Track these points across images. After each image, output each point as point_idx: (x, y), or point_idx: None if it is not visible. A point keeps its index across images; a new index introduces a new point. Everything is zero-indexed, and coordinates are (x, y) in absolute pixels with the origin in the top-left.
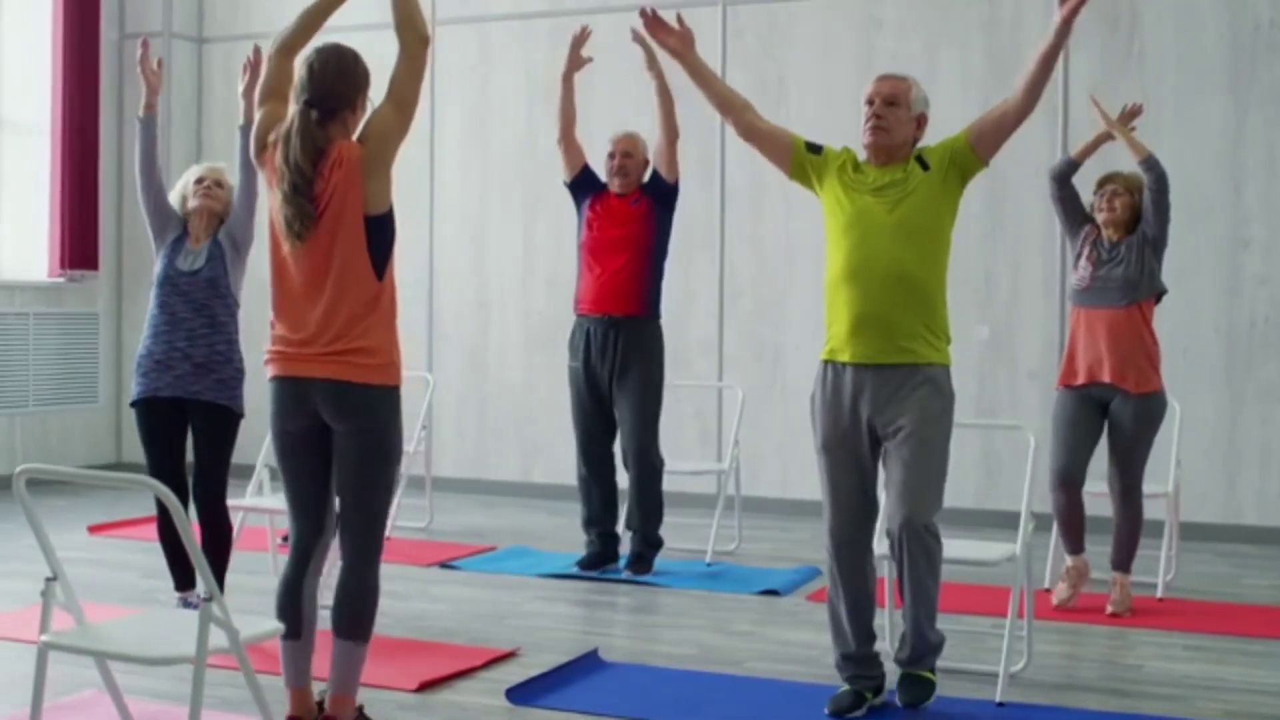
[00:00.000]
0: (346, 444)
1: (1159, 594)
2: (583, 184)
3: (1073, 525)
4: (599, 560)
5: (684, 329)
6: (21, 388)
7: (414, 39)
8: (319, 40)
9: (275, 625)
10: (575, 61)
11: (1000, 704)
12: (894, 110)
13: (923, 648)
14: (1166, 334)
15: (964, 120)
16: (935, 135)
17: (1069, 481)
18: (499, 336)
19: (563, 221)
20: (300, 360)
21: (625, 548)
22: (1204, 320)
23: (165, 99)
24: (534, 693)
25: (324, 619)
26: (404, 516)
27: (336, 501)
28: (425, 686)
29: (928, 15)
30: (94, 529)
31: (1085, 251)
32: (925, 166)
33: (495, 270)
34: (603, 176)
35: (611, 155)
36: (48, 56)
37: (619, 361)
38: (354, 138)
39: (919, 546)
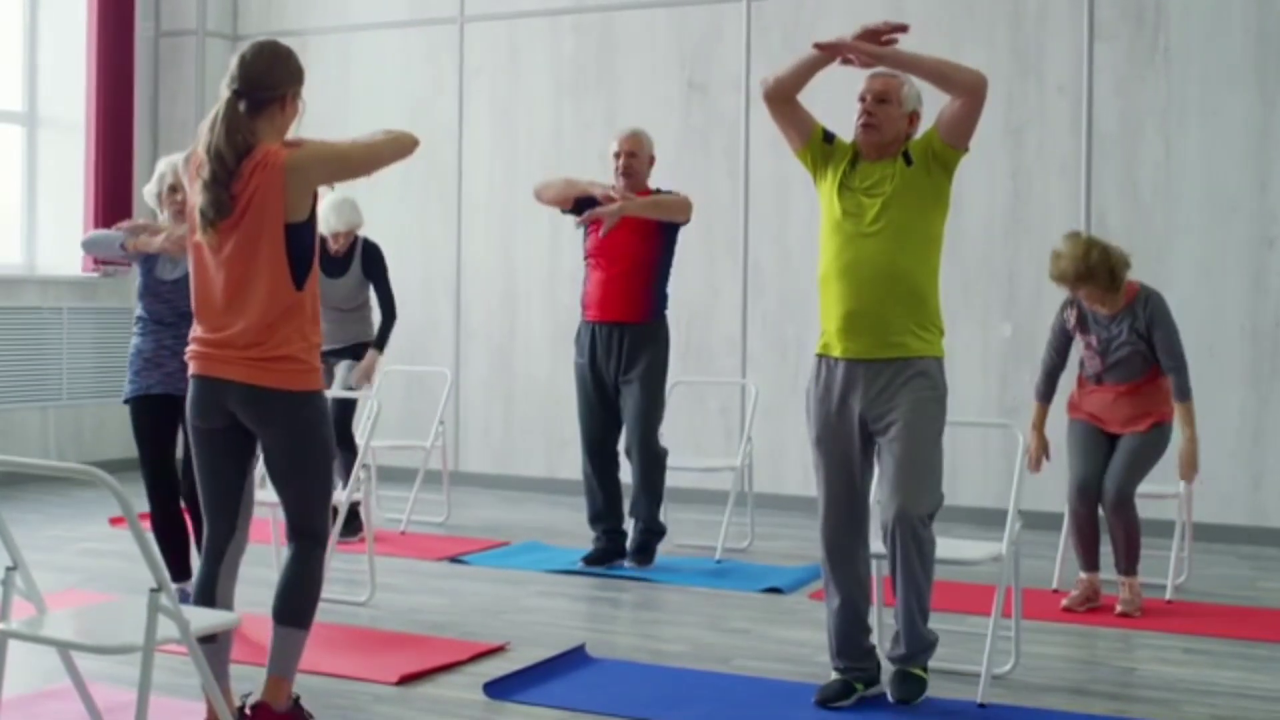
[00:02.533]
0: (272, 448)
1: (1167, 596)
2: (582, 205)
3: (1088, 538)
4: (605, 556)
5: (708, 326)
6: (55, 381)
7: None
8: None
9: (230, 616)
10: (598, 218)
11: (982, 705)
12: (885, 108)
13: (915, 645)
14: (1191, 333)
15: (989, 117)
16: None
17: (1087, 492)
18: (525, 332)
19: None
20: (218, 361)
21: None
22: (1229, 319)
23: (199, 97)
24: (513, 687)
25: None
26: (422, 511)
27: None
28: (406, 680)
29: (952, 10)
30: (115, 521)
31: (1078, 337)
32: (909, 162)
33: (522, 266)
34: (609, 178)
35: (616, 154)
36: (83, 54)
37: (624, 362)
38: (284, 140)
39: (911, 539)
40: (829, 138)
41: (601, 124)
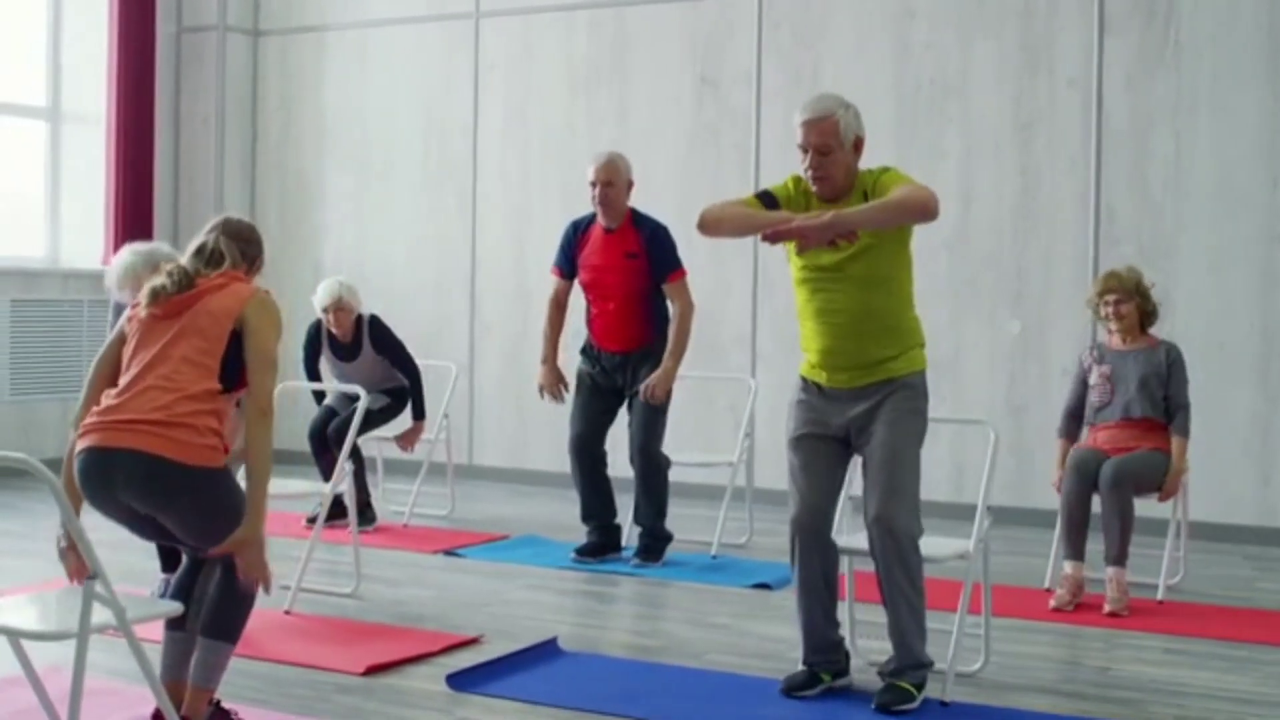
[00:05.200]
0: (178, 529)
1: (1159, 596)
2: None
3: (1077, 519)
4: (598, 549)
5: (718, 323)
6: (75, 373)
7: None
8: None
9: (171, 605)
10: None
11: (945, 703)
12: (829, 159)
13: (906, 661)
14: (1200, 330)
15: (999, 112)
16: (972, 128)
17: (1084, 469)
18: (538, 327)
19: None
20: (111, 430)
21: (632, 540)
22: (1239, 316)
23: (219, 92)
24: (476, 679)
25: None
26: (429, 504)
27: None
28: (372, 670)
29: (962, 4)
30: None
31: (1094, 369)
32: None
33: (535, 260)
34: (591, 208)
35: (593, 184)
36: (105, 50)
37: (630, 378)
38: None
39: (893, 549)
40: (770, 202)
41: (614, 119)
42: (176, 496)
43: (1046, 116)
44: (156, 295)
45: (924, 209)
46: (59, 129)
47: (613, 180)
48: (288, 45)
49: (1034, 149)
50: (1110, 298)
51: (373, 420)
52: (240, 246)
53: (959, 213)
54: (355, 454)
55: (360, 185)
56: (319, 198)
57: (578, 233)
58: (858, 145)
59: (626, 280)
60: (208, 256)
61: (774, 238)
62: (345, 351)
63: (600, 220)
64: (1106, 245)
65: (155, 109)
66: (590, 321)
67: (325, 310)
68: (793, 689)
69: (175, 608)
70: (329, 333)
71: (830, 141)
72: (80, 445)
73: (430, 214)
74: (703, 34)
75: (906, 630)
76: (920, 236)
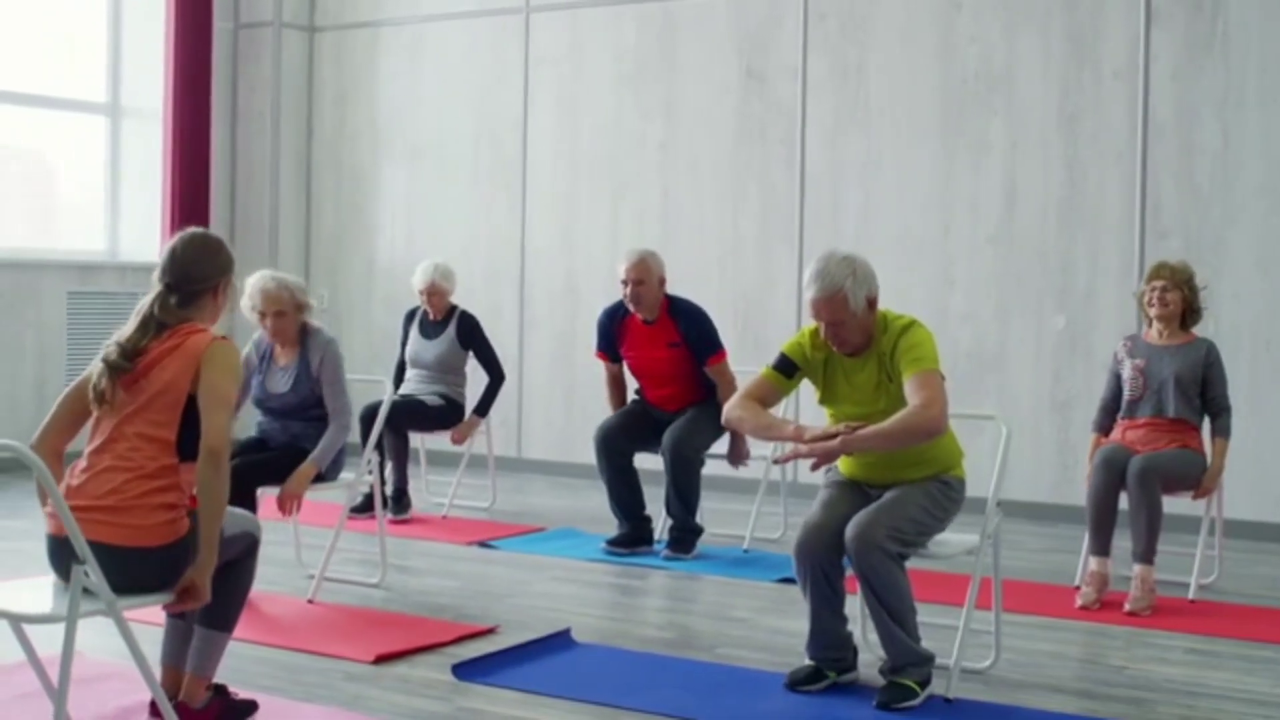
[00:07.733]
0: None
1: (1190, 595)
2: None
3: (1104, 513)
4: (630, 541)
5: (764, 316)
6: None
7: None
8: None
9: (160, 595)
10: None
11: (949, 700)
12: (842, 327)
13: (900, 659)
14: (1247, 326)
15: (1044, 105)
16: (1017, 121)
17: (1111, 465)
18: (587, 320)
19: (649, 207)
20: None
21: (664, 533)
22: None
23: (275, 88)
24: (484, 669)
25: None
26: (472, 496)
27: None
28: (382, 659)
29: None
30: None
31: (1127, 361)
32: (890, 378)
33: (584, 255)
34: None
35: (624, 282)
36: (163, 46)
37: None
38: (210, 330)
39: (866, 563)
40: (789, 370)
41: (661, 112)
42: (143, 581)
43: (1092, 109)
44: (101, 397)
45: (928, 433)
46: (118, 124)
47: (644, 279)
48: (342, 41)
49: (1079, 142)
50: (1157, 284)
51: (422, 420)
52: (186, 294)
53: (1004, 207)
54: (404, 442)
55: (413, 180)
56: (373, 192)
57: (613, 322)
58: (871, 304)
59: (676, 367)
60: (148, 326)
61: (786, 459)
62: (431, 329)
63: (637, 315)
64: (1152, 239)
65: (211, 104)
66: (644, 394)
67: (420, 291)
68: (797, 683)
69: (164, 597)
70: (425, 311)
71: (841, 315)
72: (48, 529)
73: (481, 208)
74: (749, 27)
75: (891, 633)
76: (964, 230)
